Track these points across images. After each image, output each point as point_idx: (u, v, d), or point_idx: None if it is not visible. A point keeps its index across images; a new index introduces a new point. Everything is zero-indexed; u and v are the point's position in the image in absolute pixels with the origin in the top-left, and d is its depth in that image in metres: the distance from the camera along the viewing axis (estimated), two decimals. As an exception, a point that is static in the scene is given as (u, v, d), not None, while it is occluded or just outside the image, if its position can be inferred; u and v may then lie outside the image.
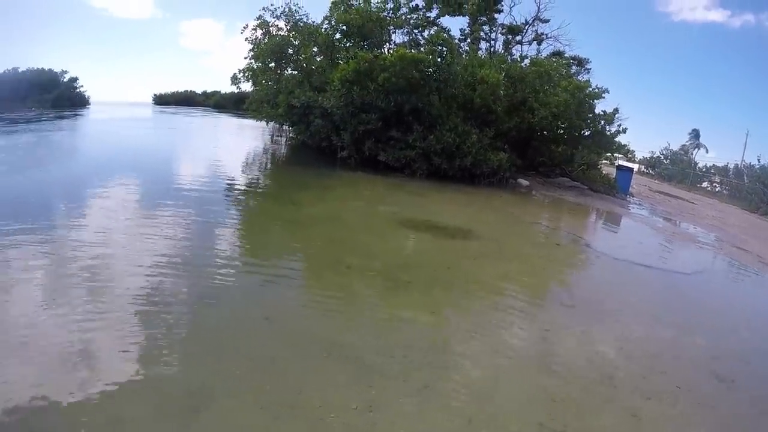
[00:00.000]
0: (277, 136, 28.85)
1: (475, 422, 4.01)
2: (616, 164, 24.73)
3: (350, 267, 7.53)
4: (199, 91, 71.65)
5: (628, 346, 5.87)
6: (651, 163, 45.58)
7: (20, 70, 47.77)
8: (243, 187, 13.88)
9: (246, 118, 37.59)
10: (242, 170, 17.50)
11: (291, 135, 26.60)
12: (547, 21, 26.29)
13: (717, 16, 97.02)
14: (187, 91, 71.47)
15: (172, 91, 71.06)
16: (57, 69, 49.83)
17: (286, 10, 22.41)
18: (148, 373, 4.21)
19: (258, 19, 22.60)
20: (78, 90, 50.56)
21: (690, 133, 51.45)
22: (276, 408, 3.94)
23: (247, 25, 22.78)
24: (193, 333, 5.02)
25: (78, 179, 12.52)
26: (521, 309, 6.65)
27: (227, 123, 41.77)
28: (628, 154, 25.07)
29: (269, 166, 20.42)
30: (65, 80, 49.83)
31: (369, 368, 4.62)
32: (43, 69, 48.94)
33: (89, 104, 50.30)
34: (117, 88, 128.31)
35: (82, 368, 4.17)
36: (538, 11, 26.02)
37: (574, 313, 6.68)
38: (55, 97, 45.81)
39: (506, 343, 5.50)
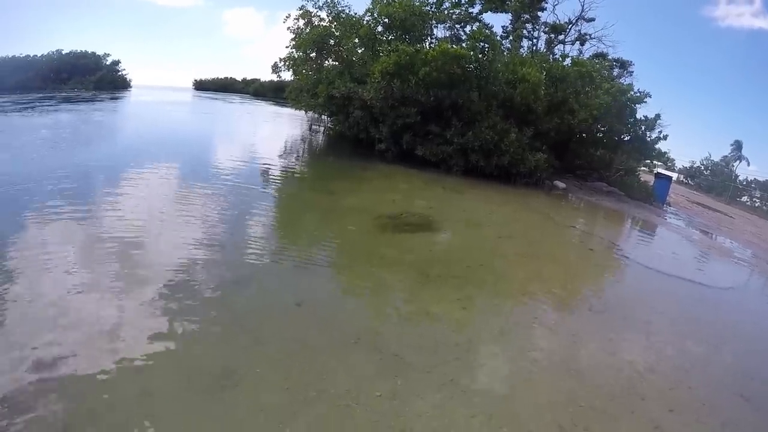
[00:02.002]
0: (315, 125, 29.09)
1: (496, 419, 4.07)
2: (655, 172, 24.23)
3: (383, 258, 7.66)
4: (238, 78, 73.06)
5: (655, 358, 5.81)
6: (690, 173, 44.44)
7: (64, 52, 49.20)
8: (280, 174, 14.13)
9: (284, 106, 38.06)
10: (280, 157, 17.79)
11: (329, 125, 26.79)
12: (591, 20, 25.90)
13: (765, 23, 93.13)
14: (227, 77, 73.00)
15: (212, 77, 72.73)
16: (100, 52, 51.34)
17: (329, 1, 22.50)
18: (178, 350, 4.38)
19: (300, 9, 22.78)
20: (120, 73, 51.92)
21: (732, 144, 49.62)
22: (302, 391, 4.04)
23: (289, 15, 22.96)
24: (225, 314, 5.16)
25: (122, 159, 12.95)
26: (551, 311, 6.66)
27: (266, 110, 42.27)
28: (667, 162, 24.60)
29: (307, 154, 20.65)
30: (107, 63, 51.17)
31: (396, 358, 4.70)
32: (86, 52, 50.29)
33: (130, 87, 51.66)
34: (158, 72, 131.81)
35: (115, 342, 4.36)
36: (582, 10, 25.64)
37: (603, 320, 6.65)
38: (98, 80, 47.10)
39: (533, 345, 5.52)
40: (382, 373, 4.43)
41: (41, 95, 32.56)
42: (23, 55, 47.00)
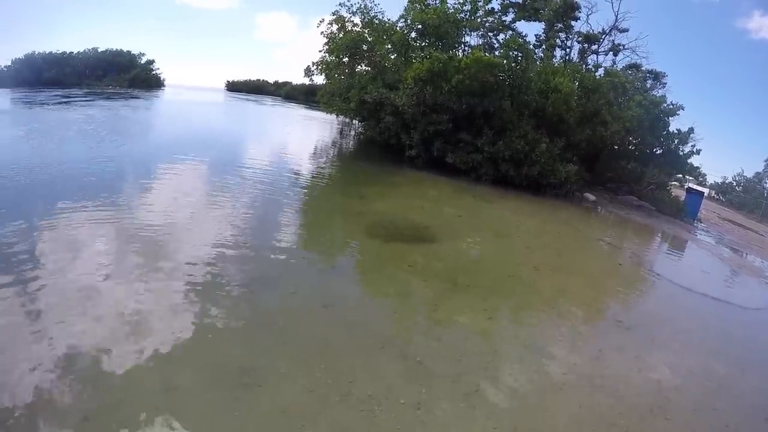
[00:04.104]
0: (346, 129, 29.34)
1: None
2: (686, 187, 23.83)
3: (412, 265, 7.74)
4: (270, 80, 74.10)
5: (682, 377, 5.77)
6: (722, 189, 43.29)
7: (100, 50, 50.57)
8: (312, 177, 14.41)
9: (315, 109, 38.44)
10: (312, 159, 18.11)
11: (360, 130, 27.01)
12: (625, 30, 25.59)
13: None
14: (258, 79, 74.18)
15: (245, 79, 73.88)
16: (135, 51, 52.65)
17: (362, 6, 22.72)
18: (203, 346, 4.51)
19: (334, 14, 23.03)
20: (154, 72, 53.18)
21: (766, 161, 48.41)
22: (326, 393, 4.11)
23: (323, 19, 23.20)
24: (252, 312, 5.30)
25: (157, 155, 13.60)
26: (578, 325, 6.68)
27: (297, 113, 42.79)
28: (698, 177, 24.16)
29: (337, 158, 20.89)
30: (142, 62, 52.52)
31: (421, 366, 4.76)
32: (121, 50, 51.72)
33: (164, 86, 52.92)
34: (191, 72, 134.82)
35: (141, 335, 4.52)
36: (616, 20, 25.38)
37: (630, 336, 6.62)
38: (132, 78, 48.41)
39: (560, 358, 5.52)
40: (407, 380, 4.47)
41: (78, 91, 33.47)
42: (59, 52, 48.35)
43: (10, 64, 46.37)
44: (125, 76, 48.28)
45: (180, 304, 5.18)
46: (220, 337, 4.70)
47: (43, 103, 22.38)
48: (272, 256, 7.05)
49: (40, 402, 3.55)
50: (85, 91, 35.29)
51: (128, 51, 52.13)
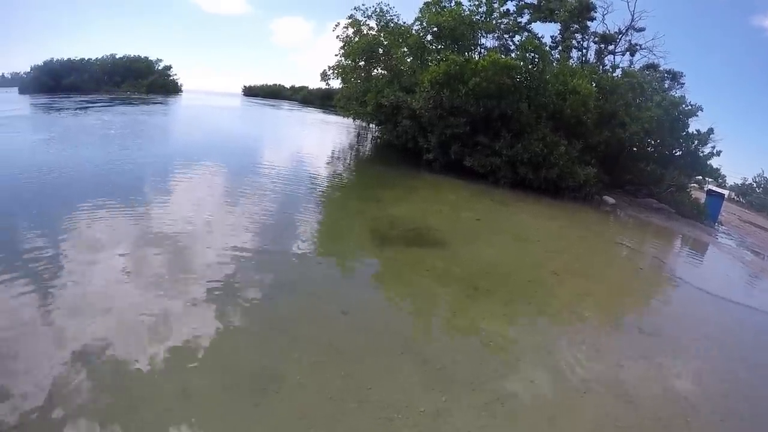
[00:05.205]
0: (363, 133, 29.42)
1: (541, 442, 4.04)
2: (706, 189, 23.48)
3: (430, 270, 7.71)
4: (287, 85, 74.88)
5: (706, 385, 5.65)
6: (742, 191, 42.59)
7: (117, 56, 51.36)
8: (328, 180, 14.52)
9: (332, 114, 38.63)
10: (329, 163, 18.25)
11: (377, 134, 27.08)
12: (642, 30, 25.20)
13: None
14: (275, 84, 74.99)
15: (261, 83, 74.81)
16: (152, 57, 53.40)
17: (378, 10, 22.76)
18: (221, 350, 4.53)
19: (350, 18, 23.11)
20: (171, 78, 53.89)
21: (787, 161, 47.54)
22: (344, 400, 4.07)
23: (338, 23, 23.34)
24: (269, 317, 5.33)
25: (179, 159, 13.85)
26: (599, 331, 6.59)
27: (314, 117, 43.04)
28: (718, 178, 23.79)
29: (354, 162, 21.01)
30: (159, 68, 53.28)
31: (441, 373, 4.71)
32: (138, 56, 52.57)
33: (181, 91, 53.68)
34: (208, 77, 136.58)
35: (157, 337, 4.57)
36: (632, 20, 25.07)
37: (652, 342, 6.51)
38: (150, 83, 49.19)
39: (581, 366, 5.43)
40: (427, 388, 4.43)
41: (96, 97, 34.00)
42: (78, 58, 49.13)
43: (29, 70, 47.30)
44: (143, 81, 49.04)
45: (198, 308, 5.24)
46: (238, 342, 4.73)
47: (71, 109, 22.78)
48: (290, 261, 7.11)
49: (50, 403, 3.59)
50: (103, 96, 35.79)
51: (145, 57, 53.06)
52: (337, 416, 3.91)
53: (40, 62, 46.56)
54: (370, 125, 26.96)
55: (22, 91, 43.39)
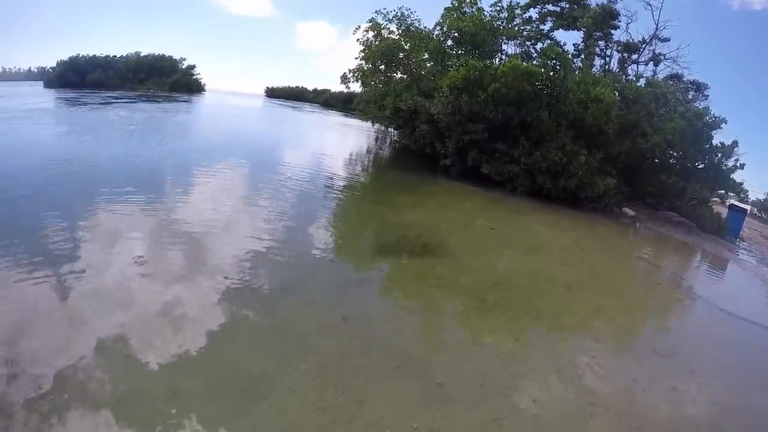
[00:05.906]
0: (382, 137, 29.43)
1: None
2: (729, 204, 22.95)
3: (438, 279, 7.47)
4: (309, 88, 76.16)
5: (722, 412, 5.29)
6: (764, 206, 41.73)
7: (142, 54, 52.24)
8: (344, 183, 14.46)
9: (352, 117, 38.78)
10: (346, 166, 18.27)
11: (395, 138, 27.04)
12: (667, 40, 24.83)
13: None
14: (297, 86, 76.07)
15: (284, 85, 75.90)
16: (176, 56, 54.21)
17: (399, 14, 22.71)
18: (214, 352, 4.40)
19: (370, 21, 23.10)
20: (195, 77, 54.64)
21: (810, 177, 46.32)
22: (335, 412, 3.89)
23: (359, 26, 23.34)
24: (268, 320, 5.20)
25: (201, 157, 14.04)
26: (611, 350, 6.28)
27: (334, 120, 43.16)
28: (740, 193, 23.22)
29: (372, 165, 20.98)
30: (183, 67, 54.10)
31: (439, 389, 4.48)
32: (163, 55, 53.49)
33: (204, 91, 54.39)
34: (231, 78, 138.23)
35: (149, 336, 4.48)
36: (657, 29, 24.69)
37: (666, 364, 6.18)
38: (173, 82, 50.05)
39: (590, 388, 5.11)
40: (422, 404, 4.23)
41: (123, 93, 34.54)
42: (103, 55, 50.10)
43: (55, 65, 48.29)
44: (166, 80, 49.87)
45: (198, 308, 5.18)
46: (233, 344, 4.63)
47: (102, 104, 23.22)
48: (296, 264, 7.01)
49: (34, 402, 3.53)
50: (135, 94, 36.41)
51: (170, 56, 54.01)
52: (326, 427, 3.75)
53: (65, 58, 47.58)
54: (389, 129, 26.91)
55: (47, 85, 44.28)
